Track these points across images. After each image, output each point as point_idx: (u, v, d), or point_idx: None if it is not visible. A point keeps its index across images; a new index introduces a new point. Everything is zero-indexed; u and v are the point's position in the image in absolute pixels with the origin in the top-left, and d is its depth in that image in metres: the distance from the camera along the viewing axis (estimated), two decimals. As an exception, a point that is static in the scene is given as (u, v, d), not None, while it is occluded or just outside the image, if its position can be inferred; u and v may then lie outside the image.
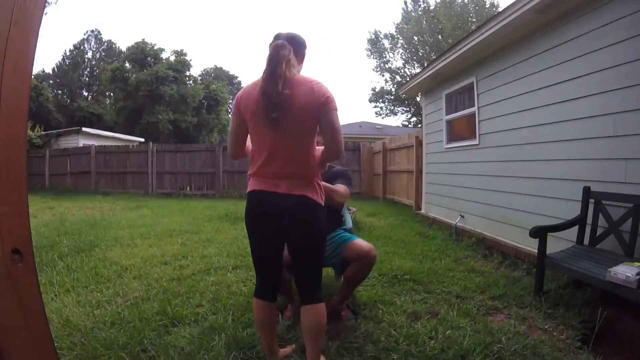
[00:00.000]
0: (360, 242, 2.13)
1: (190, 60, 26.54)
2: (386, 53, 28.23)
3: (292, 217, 1.48)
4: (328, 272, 2.79)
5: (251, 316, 2.16)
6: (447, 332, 1.95)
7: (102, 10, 61.15)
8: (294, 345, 1.84)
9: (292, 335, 1.95)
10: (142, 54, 25.45)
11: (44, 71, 34.69)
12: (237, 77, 41.29)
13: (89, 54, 36.94)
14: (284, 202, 1.45)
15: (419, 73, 5.91)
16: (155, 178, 10.72)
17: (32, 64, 0.79)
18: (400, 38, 27.31)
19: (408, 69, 27.13)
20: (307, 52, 1.63)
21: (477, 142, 4.30)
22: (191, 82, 27.63)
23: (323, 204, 1.54)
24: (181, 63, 25.84)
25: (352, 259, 2.08)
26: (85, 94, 34.97)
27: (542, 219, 3.06)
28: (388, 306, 2.35)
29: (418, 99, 16.17)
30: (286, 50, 1.41)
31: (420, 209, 6.26)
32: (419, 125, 17.29)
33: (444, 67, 4.80)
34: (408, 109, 28.36)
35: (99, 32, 37.18)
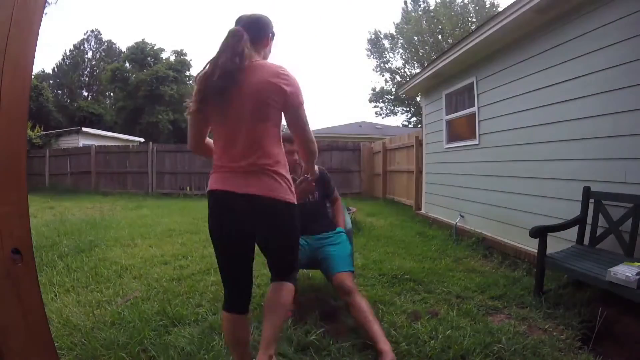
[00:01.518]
0: (344, 280, 2.01)
1: (190, 60, 26.59)
2: (386, 53, 28.26)
3: (250, 219, 1.39)
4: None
5: (251, 316, 2.17)
6: (447, 332, 1.95)
7: (102, 10, 61.17)
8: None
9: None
10: (142, 54, 25.46)
11: (44, 71, 34.69)
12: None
13: (89, 54, 36.94)
14: (243, 203, 1.35)
15: (419, 73, 5.91)
16: (155, 178, 10.72)
17: (32, 64, 0.79)
18: (400, 38, 27.30)
19: (408, 69, 27.15)
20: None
21: (477, 142, 4.30)
22: (191, 82, 27.59)
23: (293, 199, 1.40)
24: (181, 63, 25.85)
25: (335, 287, 2.08)
26: (85, 94, 34.97)
27: (542, 218, 3.06)
28: (388, 306, 2.35)
29: (418, 99, 16.17)
30: (233, 39, 1.32)
31: (420, 209, 6.26)
32: (419, 125, 17.28)
33: (444, 67, 4.80)
34: (408, 109, 28.35)
35: (99, 32, 37.20)
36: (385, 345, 1.74)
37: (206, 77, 1.32)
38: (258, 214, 1.36)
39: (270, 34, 1.48)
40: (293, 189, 1.43)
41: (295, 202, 1.43)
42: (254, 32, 1.38)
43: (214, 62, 1.32)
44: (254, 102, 1.31)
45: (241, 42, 1.31)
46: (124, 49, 30.79)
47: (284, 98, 1.32)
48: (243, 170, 1.34)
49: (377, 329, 1.82)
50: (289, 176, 1.42)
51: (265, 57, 1.46)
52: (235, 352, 1.47)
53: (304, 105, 1.37)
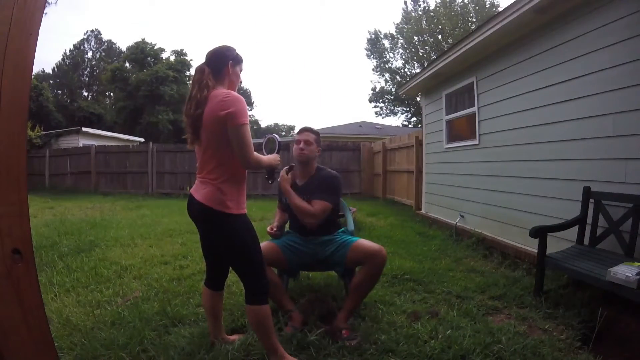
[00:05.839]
0: (367, 242, 2.07)
1: (191, 60, 26.56)
2: (386, 53, 28.21)
3: (199, 222, 1.65)
4: (330, 273, 2.79)
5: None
6: (447, 332, 1.95)
7: (102, 10, 61.18)
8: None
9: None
10: (142, 54, 25.46)
11: (44, 71, 34.75)
12: (237, 77, 41.31)
13: (89, 54, 37.01)
14: (193, 206, 1.60)
15: (419, 73, 5.91)
16: (155, 178, 10.72)
17: (32, 64, 0.79)
18: (400, 38, 27.28)
19: (408, 69, 27.11)
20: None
21: (477, 142, 4.30)
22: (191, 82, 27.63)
23: (230, 211, 1.54)
24: (181, 63, 25.84)
25: (359, 260, 2.03)
26: (85, 94, 35.01)
27: (542, 218, 3.06)
28: (388, 306, 2.35)
29: (418, 99, 16.16)
30: (198, 74, 1.59)
31: (420, 209, 6.26)
32: (419, 125, 17.27)
33: (444, 67, 4.80)
34: (408, 109, 28.33)
35: (99, 32, 37.28)
36: (342, 323, 1.98)
37: (188, 110, 1.58)
38: (201, 219, 1.62)
39: (230, 62, 1.64)
40: (239, 201, 1.59)
41: (236, 213, 1.56)
42: (213, 64, 1.61)
43: (188, 97, 1.59)
44: (206, 130, 1.54)
45: (204, 76, 1.57)
46: (124, 49, 30.85)
47: (224, 121, 1.48)
48: (199, 180, 1.62)
49: (350, 306, 2.04)
50: (234, 189, 1.57)
51: (231, 82, 1.66)
52: (208, 317, 1.86)
53: (245, 124, 1.50)
